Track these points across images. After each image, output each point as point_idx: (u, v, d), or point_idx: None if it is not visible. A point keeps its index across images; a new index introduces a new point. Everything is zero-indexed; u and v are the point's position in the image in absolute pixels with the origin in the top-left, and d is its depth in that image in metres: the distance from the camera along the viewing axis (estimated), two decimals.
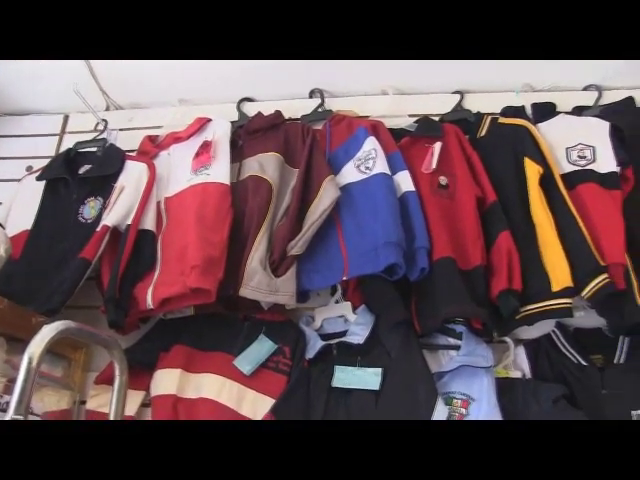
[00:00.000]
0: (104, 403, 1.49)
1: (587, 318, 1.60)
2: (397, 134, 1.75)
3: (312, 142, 1.70)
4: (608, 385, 1.51)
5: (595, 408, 1.47)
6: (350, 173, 1.63)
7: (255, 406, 1.50)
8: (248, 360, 1.54)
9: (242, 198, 1.61)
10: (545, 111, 1.86)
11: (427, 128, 1.76)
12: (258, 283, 1.46)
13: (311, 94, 1.90)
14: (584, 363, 1.55)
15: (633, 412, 1.46)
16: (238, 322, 1.63)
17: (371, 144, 1.62)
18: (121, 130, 1.95)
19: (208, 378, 1.54)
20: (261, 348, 1.56)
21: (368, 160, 1.60)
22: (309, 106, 1.87)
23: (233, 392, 1.52)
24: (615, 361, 1.56)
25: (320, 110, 1.86)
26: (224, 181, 1.63)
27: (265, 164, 1.65)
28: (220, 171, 1.65)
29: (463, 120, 1.84)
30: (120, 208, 1.62)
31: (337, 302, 1.65)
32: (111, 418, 1.34)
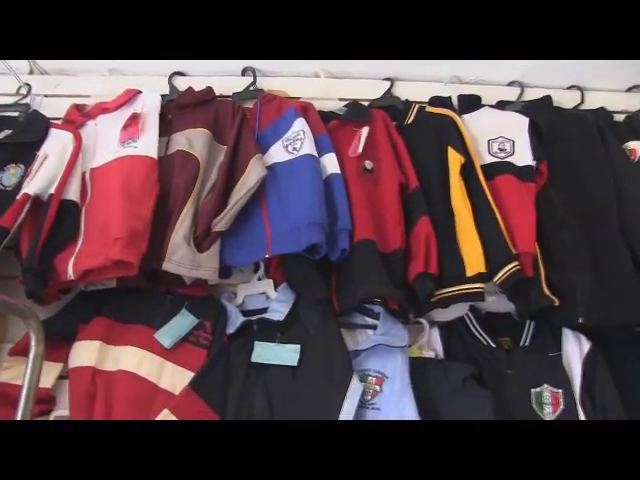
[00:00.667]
0: (17, 375, 1.45)
1: (498, 303, 1.70)
2: (326, 117, 1.77)
3: (242, 120, 1.70)
4: (513, 365, 1.61)
5: (500, 387, 1.56)
6: (278, 153, 1.65)
7: (174, 379, 1.52)
8: (169, 334, 1.55)
9: (169, 173, 1.60)
10: (470, 103, 1.93)
11: (356, 113, 1.79)
12: (181, 258, 1.46)
13: (243, 72, 1.90)
14: (493, 345, 1.64)
15: (532, 390, 1.57)
16: (160, 296, 1.63)
17: (300, 125, 1.64)
18: (46, 96, 1.88)
19: (128, 350, 1.54)
20: (182, 322, 1.57)
21: (296, 141, 1.62)
22: (241, 84, 1.86)
23: (153, 365, 1.52)
24: (521, 344, 1.66)
25: (252, 89, 1.85)
26: (152, 155, 1.61)
27: (193, 140, 1.64)
28: (148, 144, 1.63)
29: (392, 107, 1.88)
30: (43, 177, 1.57)
31: (259, 279, 1.67)
32: (24, 390, 1.32)
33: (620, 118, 1.98)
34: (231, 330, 1.56)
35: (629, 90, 2.06)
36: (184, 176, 1.57)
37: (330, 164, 1.61)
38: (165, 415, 1.43)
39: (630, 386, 1.59)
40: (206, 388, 1.48)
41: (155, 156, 1.61)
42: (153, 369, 1.52)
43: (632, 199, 1.72)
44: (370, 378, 1.51)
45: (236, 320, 1.57)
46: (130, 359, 1.53)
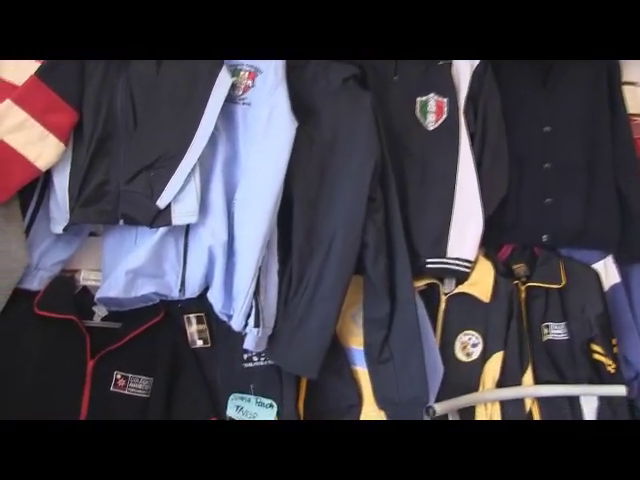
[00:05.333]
0: None
1: None
2: None
3: None
4: (400, 72, 1.50)
5: (384, 94, 1.47)
6: None
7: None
8: None
9: None
10: None
11: None
12: None
13: None
14: None
15: (418, 98, 1.49)
16: None
17: None
18: None
19: None
20: None
21: None
22: None
23: None
24: None
25: None
26: None
27: None
28: None
29: None
30: None
31: None
32: None
33: None
34: None
35: None
36: None
37: None
38: (8, 106, 1.27)
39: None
40: (57, 79, 1.32)
41: None
42: None
43: None
44: (242, 73, 1.37)
45: None
46: None
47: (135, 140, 1.32)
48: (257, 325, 1.29)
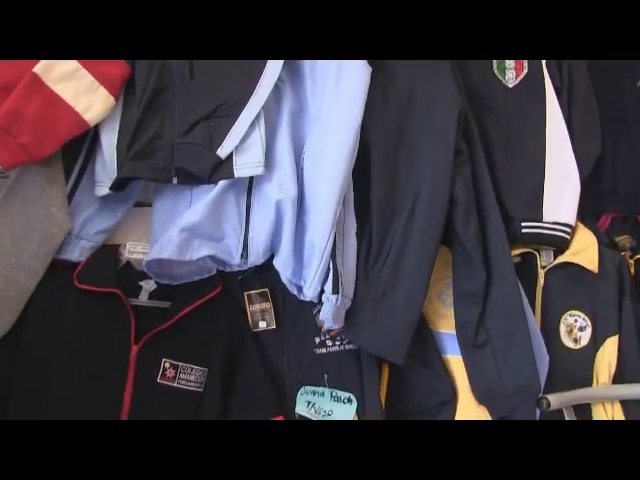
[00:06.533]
0: None
1: None
2: None
3: None
4: None
5: None
6: None
7: None
8: None
9: None
10: None
11: None
12: None
13: None
14: None
15: None
16: None
17: None
18: None
19: None
20: None
21: None
22: None
23: None
24: None
25: None
26: None
27: None
28: None
29: None
30: None
31: None
32: None
33: None
34: None
35: None
36: None
37: None
38: None
39: None
40: None
41: None
42: None
43: None
44: None
45: None
46: None
47: (192, 91, 1.18)
48: (336, 291, 1.09)
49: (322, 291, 1.10)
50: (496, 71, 1.35)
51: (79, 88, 1.16)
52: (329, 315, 1.10)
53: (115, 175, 1.15)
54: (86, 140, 1.22)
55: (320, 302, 1.11)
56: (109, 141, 1.18)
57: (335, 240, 1.12)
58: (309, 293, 1.10)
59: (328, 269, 1.10)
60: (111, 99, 1.18)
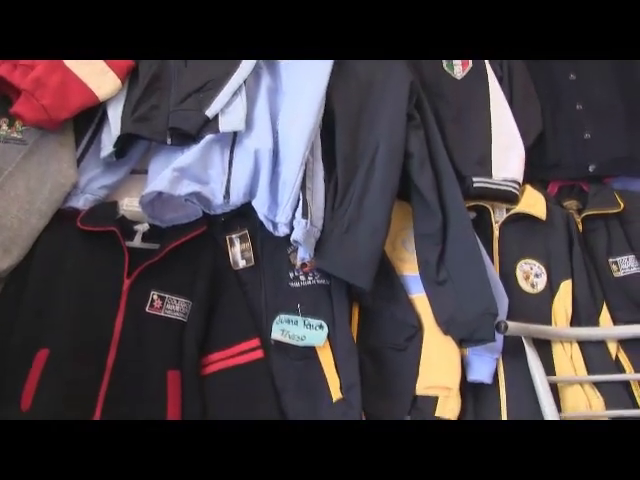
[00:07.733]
0: None
1: None
2: None
3: None
4: None
5: None
6: None
7: None
8: None
9: None
10: None
11: None
12: None
13: None
14: None
15: None
16: None
17: None
18: None
19: None
20: None
21: None
22: None
23: None
24: None
25: None
26: None
27: None
28: None
29: None
30: None
31: None
32: None
33: None
34: None
35: None
36: None
37: None
38: None
39: None
40: None
41: None
42: None
43: None
44: None
45: None
46: None
47: (185, 74, 1.42)
48: (305, 216, 1.25)
49: (293, 217, 1.25)
50: (445, 67, 1.58)
51: (93, 71, 1.40)
52: (300, 234, 1.23)
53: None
54: (94, 119, 1.44)
55: (292, 229, 1.25)
56: (114, 113, 1.40)
57: (305, 180, 1.29)
58: (282, 219, 1.25)
59: (298, 200, 1.26)
60: (118, 82, 1.42)
